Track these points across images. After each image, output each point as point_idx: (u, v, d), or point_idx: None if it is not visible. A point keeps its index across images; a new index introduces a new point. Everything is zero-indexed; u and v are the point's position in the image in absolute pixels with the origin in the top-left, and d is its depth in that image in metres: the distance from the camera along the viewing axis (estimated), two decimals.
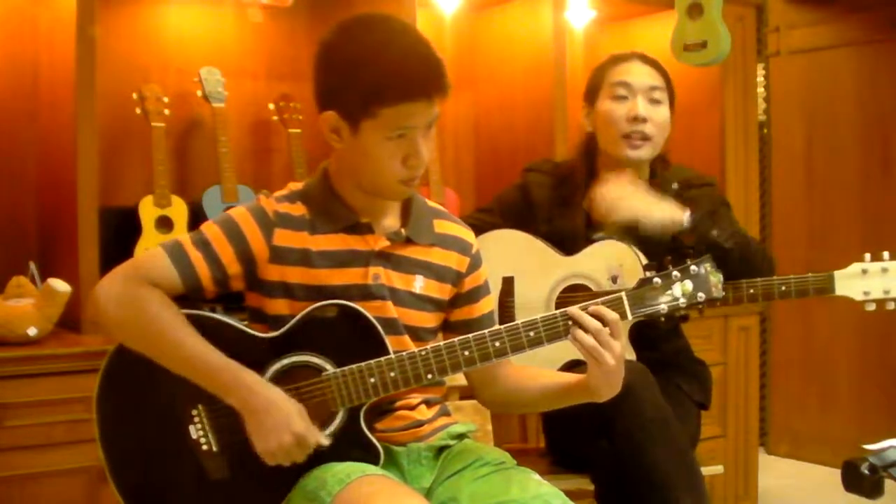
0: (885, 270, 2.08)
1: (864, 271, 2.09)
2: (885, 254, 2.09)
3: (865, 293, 2.09)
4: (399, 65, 1.59)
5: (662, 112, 2.30)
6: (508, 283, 2.33)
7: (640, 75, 2.30)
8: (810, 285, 2.13)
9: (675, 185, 2.33)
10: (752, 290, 2.16)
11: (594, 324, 1.61)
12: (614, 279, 2.16)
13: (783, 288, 2.15)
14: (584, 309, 1.63)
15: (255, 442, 1.59)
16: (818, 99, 4.30)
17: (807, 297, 2.14)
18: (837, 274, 2.11)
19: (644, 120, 2.26)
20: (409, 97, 1.58)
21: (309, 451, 1.59)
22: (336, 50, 1.64)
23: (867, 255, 2.10)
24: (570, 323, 1.63)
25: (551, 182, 2.39)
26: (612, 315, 1.62)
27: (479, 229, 2.30)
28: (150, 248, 1.70)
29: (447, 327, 1.82)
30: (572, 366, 2.09)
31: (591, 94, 2.36)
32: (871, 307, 2.10)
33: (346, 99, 1.61)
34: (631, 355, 2.04)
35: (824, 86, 4.27)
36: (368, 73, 1.58)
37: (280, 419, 1.56)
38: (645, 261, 2.11)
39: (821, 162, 4.31)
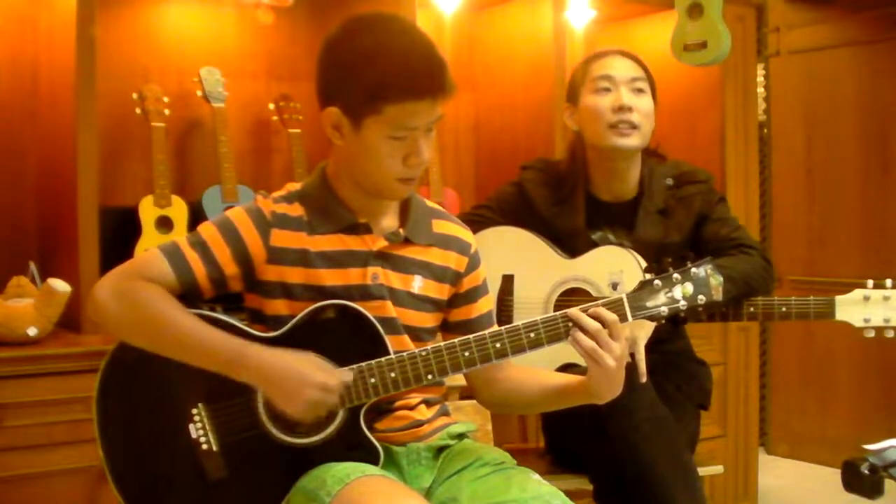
0: (886, 299, 2.08)
1: (866, 298, 2.09)
2: (888, 281, 2.10)
3: (866, 320, 2.09)
4: (405, 62, 1.60)
5: (646, 101, 2.31)
6: (508, 282, 2.33)
7: (621, 68, 2.32)
8: (811, 309, 2.14)
9: (669, 181, 2.33)
10: (752, 309, 2.17)
11: (593, 325, 1.61)
12: (614, 286, 2.16)
13: (783, 309, 2.16)
14: (584, 311, 1.63)
15: (283, 408, 1.59)
16: (818, 99, 4.30)
17: (807, 319, 2.15)
18: (839, 299, 2.12)
19: (630, 109, 2.27)
20: (414, 95, 1.59)
21: (339, 393, 1.59)
22: (342, 46, 1.65)
23: (870, 282, 2.11)
24: (570, 324, 1.63)
25: (546, 179, 2.39)
26: (611, 316, 1.62)
27: (478, 225, 2.31)
28: (147, 251, 1.70)
29: (445, 327, 1.82)
30: (566, 368, 2.09)
31: (574, 93, 2.37)
32: (871, 334, 2.11)
33: (350, 94, 1.62)
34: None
35: (824, 86, 4.27)
36: (374, 70, 1.59)
37: (297, 378, 1.56)
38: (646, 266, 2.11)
39: (821, 162, 4.31)
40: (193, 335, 1.59)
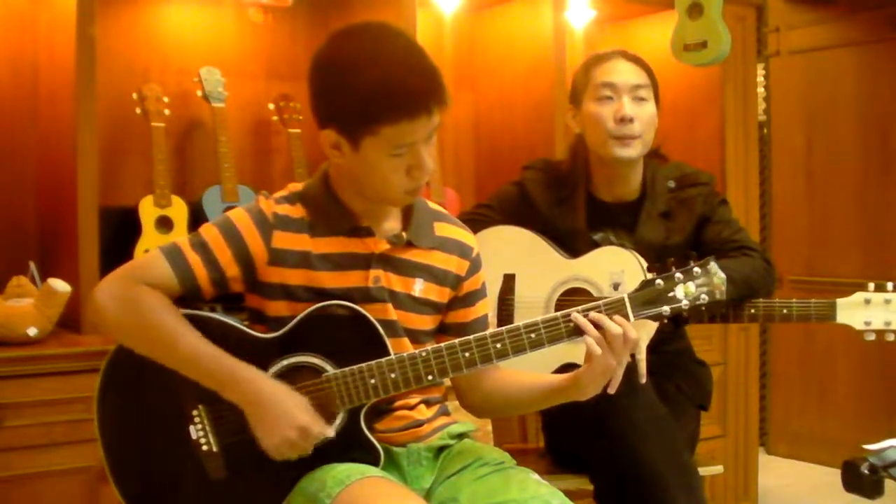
0: (887, 302, 2.09)
1: (867, 301, 2.10)
2: (889, 284, 2.10)
3: (866, 323, 2.10)
4: (397, 82, 1.56)
5: (648, 109, 2.30)
6: (509, 281, 2.33)
7: (623, 74, 2.30)
8: (812, 311, 2.14)
9: (671, 184, 2.33)
10: (753, 311, 2.17)
11: (616, 329, 1.61)
12: (616, 286, 2.16)
13: (784, 311, 2.16)
14: (587, 311, 1.63)
15: (258, 437, 1.59)
16: (818, 99, 4.30)
17: (808, 322, 2.15)
18: (840, 302, 2.12)
19: (631, 120, 2.26)
20: (409, 115, 1.56)
21: (314, 443, 1.59)
22: (331, 66, 1.62)
23: (871, 285, 2.11)
24: (571, 325, 1.63)
25: (547, 180, 2.39)
26: (633, 334, 1.62)
27: (479, 224, 2.31)
28: (148, 252, 1.70)
29: (441, 329, 1.81)
30: (566, 368, 2.08)
31: (576, 96, 2.36)
32: (871, 337, 2.11)
33: (344, 118, 1.60)
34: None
35: (824, 86, 4.27)
36: (366, 93, 1.56)
37: (281, 413, 1.57)
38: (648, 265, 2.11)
39: (821, 162, 4.31)
40: (188, 349, 1.60)
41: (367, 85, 1.56)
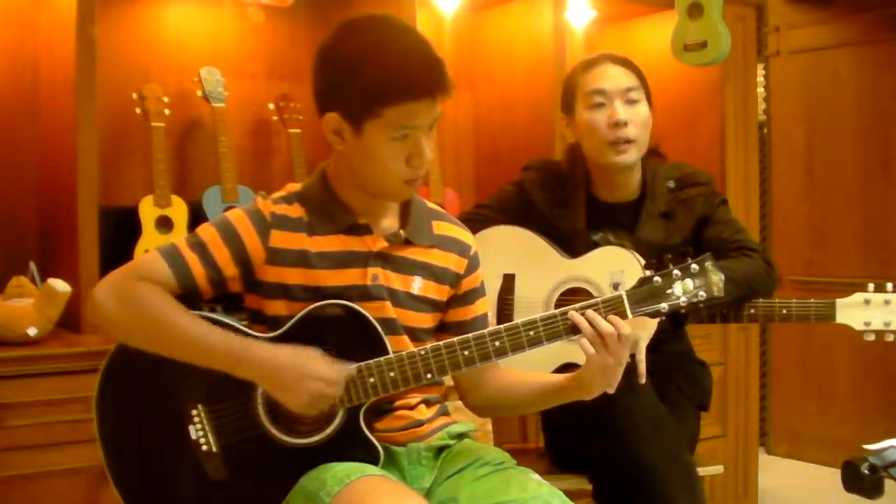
0: (887, 302, 2.10)
1: (867, 301, 2.11)
2: (889, 285, 2.11)
3: (866, 323, 2.11)
4: (402, 64, 1.59)
5: (641, 111, 2.29)
6: (509, 281, 2.34)
7: (613, 79, 2.29)
8: (812, 311, 2.15)
9: (671, 183, 2.33)
10: (752, 311, 2.18)
11: (608, 328, 1.61)
12: (616, 286, 2.16)
13: (784, 311, 2.17)
14: (585, 308, 1.63)
15: (285, 403, 1.59)
16: (818, 99, 4.30)
17: (808, 322, 2.16)
18: (839, 302, 2.13)
19: (625, 124, 2.25)
20: (412, 96, 1.59)
21: (342, 386, 1.59)
22: (337, 51, 1.64)
23: (871, 286, 2.12)
24: (569, 322, 1.63)
25: (547, 180, 2.39)
26: (626, 329, 1.62)
27: (479, 224, 2.31)
28: (146, 253, 1.70)
29: (441, 328, 1.81)
30: (566, 368, 2.09)
31: (568, 105, 2.35)
32: (871, 338, 2.13)
33: (348, 99, 1.61)
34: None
35: (824, 86, 4.27)
36: (371, 73, 1.58)
37: (298, 371, 1.57)
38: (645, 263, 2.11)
39: (821, 162, 4.31)
40: (193, 333, 1.59)
41: (374, 68, 1.58)
